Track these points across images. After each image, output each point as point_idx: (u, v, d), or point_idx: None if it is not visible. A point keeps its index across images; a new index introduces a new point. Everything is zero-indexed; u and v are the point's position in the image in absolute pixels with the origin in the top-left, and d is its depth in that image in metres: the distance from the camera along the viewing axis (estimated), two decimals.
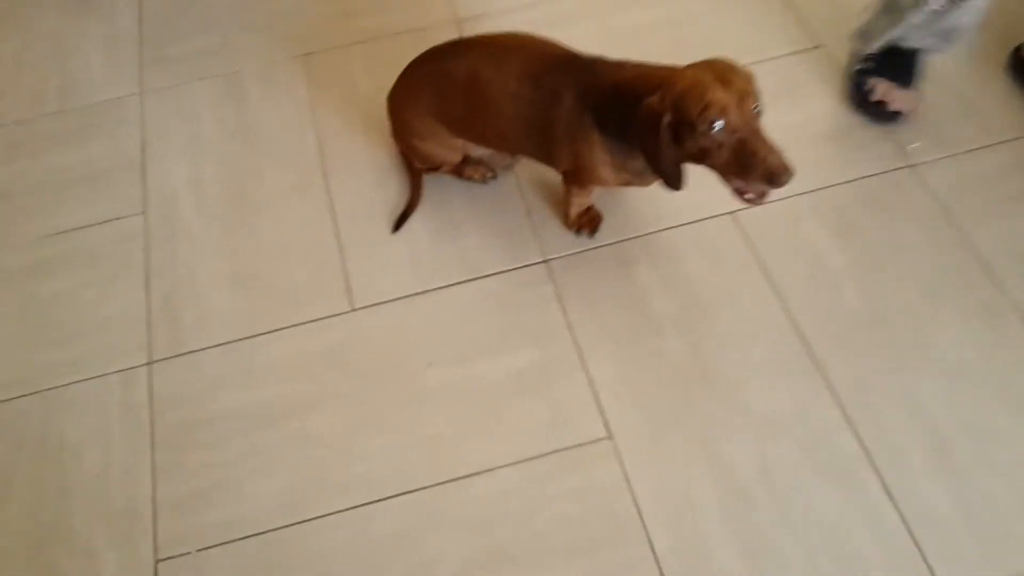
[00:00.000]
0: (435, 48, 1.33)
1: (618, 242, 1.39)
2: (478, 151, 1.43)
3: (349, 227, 1.45)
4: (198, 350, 1.31)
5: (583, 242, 1.39)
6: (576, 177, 1.27)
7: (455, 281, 1.36)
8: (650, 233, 1.39)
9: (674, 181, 1.11)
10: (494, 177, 1.48)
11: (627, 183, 1.25)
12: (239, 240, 1.44)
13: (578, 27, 1.70)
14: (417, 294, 1.35)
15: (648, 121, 1.06)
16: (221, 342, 1.32)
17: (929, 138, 1.47)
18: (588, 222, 1.40)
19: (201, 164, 1.56)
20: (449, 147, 1.40)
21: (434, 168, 1.46)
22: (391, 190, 1.49)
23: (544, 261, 1.38)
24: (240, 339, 1.32)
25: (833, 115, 1.53)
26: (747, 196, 1.08)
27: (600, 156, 1.19)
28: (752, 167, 1.01)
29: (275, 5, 1.81)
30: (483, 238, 1.41)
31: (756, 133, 1.02)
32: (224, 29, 1.78)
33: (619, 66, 1.17)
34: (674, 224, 1.40)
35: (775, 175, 0.99)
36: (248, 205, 1.49)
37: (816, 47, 1.63)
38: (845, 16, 1.66)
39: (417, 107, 1.35)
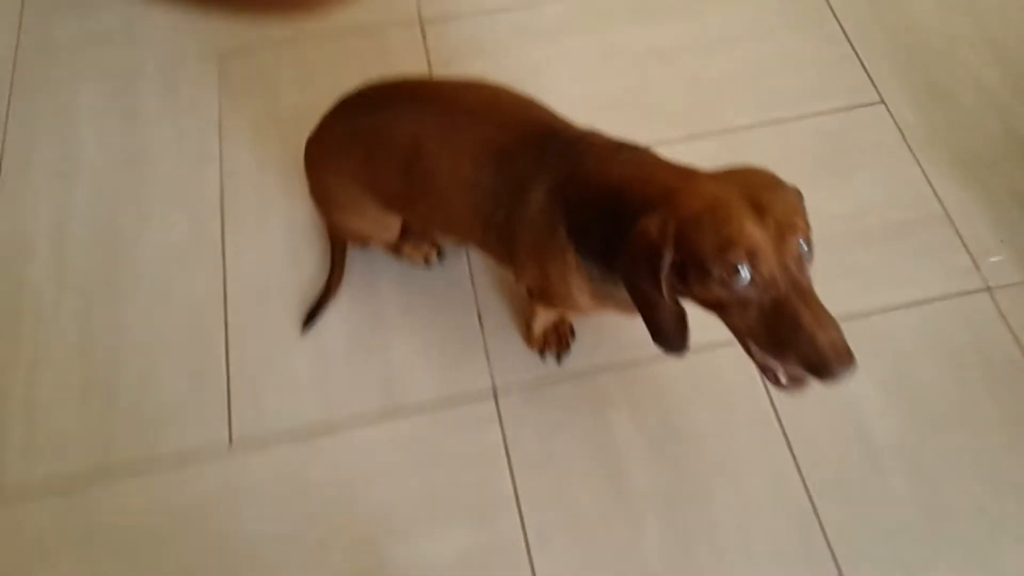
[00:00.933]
0: (370, 90, 0.95)
1: (593, 372, 1.04)
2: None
3: (243, 316, 1.10)
4: (19, 499, 0.99)
5: (547, 367, 1.05)
6: (543, 297, 0.93)
7: (371, 413, 1.02)
8: (636, 362, 1.05)
9: (672, 343, 0.76)
10: (440, 258, 1.13)
11: (614, 311, 0.90)
12: (98, 322, 1.09)
13: (568, 42, 1.32)
14: (316, 435, 1.01)
15: (641, 255, 0.71)
16: (53, 489, 0.99)
17: (1015, 251, 1.11)
18: (556, 341, 1.05)
19: (69, 201, 1.20)
20: (380, 224, 1.04)
21: (362, 242, 1.11)
22: (305, 264, 1.13)
23: (493, 392, 1.03)
24: (76, 478, 0.99)
25: (890, 202, 1.16)
26: (778, 378, 0.74)
27: (576, 282, 0.84)
28: (789, 344, 0.66)
29: None
30: (416, 348, 1.07)
31: (800, 291, 0.66)
32: (127, 7, 1.39)
33: (614, 153, 0.81)
34: None
35: (824, 364, 0.64)
36: (119, 268, 1.14)
37: (877, 103, 1.25)
38: (920, 66, 1.27)
39: (339, 170, 0.98)
